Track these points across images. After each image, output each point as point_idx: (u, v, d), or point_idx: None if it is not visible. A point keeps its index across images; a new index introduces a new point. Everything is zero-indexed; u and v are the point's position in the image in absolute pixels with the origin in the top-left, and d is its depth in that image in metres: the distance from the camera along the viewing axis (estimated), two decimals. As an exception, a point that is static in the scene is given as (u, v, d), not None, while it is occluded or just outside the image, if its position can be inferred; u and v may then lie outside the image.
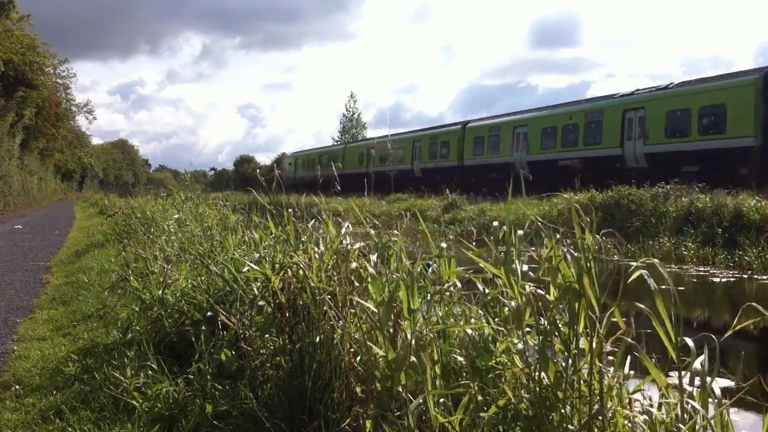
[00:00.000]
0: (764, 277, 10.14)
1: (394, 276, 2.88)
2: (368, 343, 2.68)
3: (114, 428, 3.17)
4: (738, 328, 2.08)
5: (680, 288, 9.45)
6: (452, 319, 2.92)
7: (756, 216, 12.24)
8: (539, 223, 2.48)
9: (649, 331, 2.15)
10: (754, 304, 2.13)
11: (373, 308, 2.73)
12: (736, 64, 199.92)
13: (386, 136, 30.57)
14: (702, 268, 11.22)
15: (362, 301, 2.77)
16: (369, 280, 2.94)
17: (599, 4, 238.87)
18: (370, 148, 36.60)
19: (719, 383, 2.10)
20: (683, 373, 2.02)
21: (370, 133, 70.46)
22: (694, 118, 19.44)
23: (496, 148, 27.72)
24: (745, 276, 10.37)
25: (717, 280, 10.22)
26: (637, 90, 22.68)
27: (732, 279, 10.23)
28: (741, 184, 15.04)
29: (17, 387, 3.96)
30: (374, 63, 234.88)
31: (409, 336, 2.46)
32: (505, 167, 25.30)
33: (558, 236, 2.32)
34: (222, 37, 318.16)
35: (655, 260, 2.20)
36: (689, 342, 2.02)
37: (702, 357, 2.02)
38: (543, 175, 22.32)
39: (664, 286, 2.11)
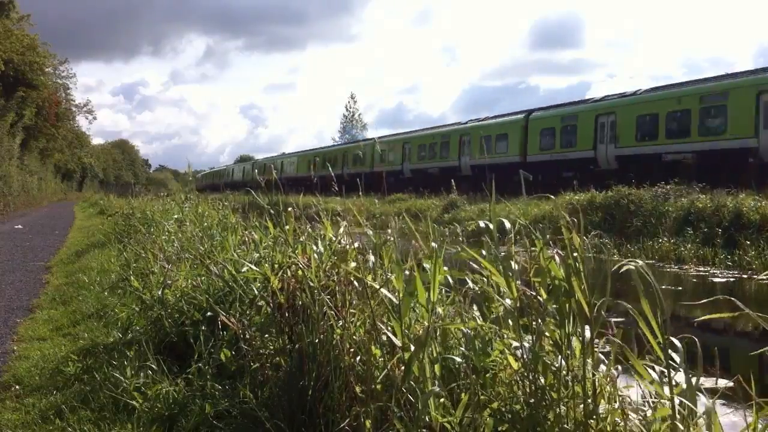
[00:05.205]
0: (764, 277, 10.14)
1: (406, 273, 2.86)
2: (379, 324, 2.67)
3: (114, 428, 3.17)
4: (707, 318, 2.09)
5: (679, 288, 9.48)
6: (447, 319, 2.91)
7: (756, 216, 12.24)
8: (526, 226, 2.49)
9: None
10: (732, 298, 2.12)
11: (393, 298, 2.72)
12: (736, 64, 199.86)
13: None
14: (702, 268, 11.22)
15: (384, 291, 2.75)
16: (390, 271, 2.91)
17: (600, 5, 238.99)
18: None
19: (718, 383, 2.09)
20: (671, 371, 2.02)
21: (370, 133, 72.00)
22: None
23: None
24: (745, 276, 10.37)
25: (717, 280, 10.22)
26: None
27: (732, 279, 10.23)
28: None
29: (17, 387, 3.96)
30: (377, 64, 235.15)
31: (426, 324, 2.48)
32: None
33: (547, 237, 2.32)
34: (226, 39, 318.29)
35: (639, 261, 2.17)
36: (676, 341, 2.02)
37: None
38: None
39: (665, 286, 2.11)
